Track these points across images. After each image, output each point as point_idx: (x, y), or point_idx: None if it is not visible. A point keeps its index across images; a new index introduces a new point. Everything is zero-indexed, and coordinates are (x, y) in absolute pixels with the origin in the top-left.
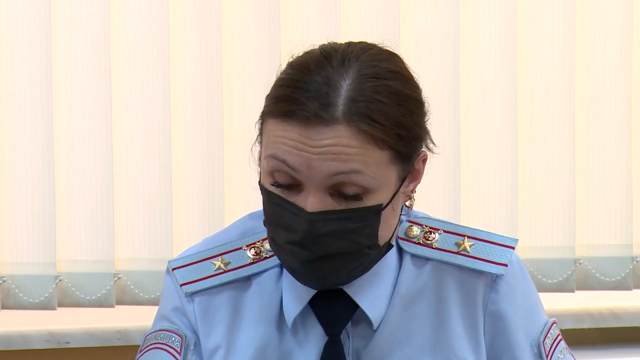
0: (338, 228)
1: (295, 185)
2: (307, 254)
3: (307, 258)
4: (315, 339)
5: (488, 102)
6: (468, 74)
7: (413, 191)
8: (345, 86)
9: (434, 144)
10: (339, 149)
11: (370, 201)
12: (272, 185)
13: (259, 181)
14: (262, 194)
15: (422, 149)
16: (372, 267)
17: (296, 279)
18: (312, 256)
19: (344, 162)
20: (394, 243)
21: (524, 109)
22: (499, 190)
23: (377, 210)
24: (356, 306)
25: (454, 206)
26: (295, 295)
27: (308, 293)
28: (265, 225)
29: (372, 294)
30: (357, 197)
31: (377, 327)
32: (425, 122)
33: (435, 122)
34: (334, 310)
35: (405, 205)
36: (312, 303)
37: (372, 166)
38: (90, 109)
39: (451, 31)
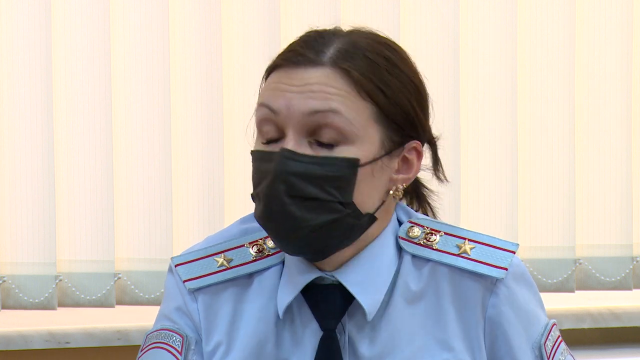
0: (309, 171)
1: (280, 139)
2: (276, 194)
3: (276, 198)
4: (311, 333)
5: (488, 102)
6: (468, 74)
7: (402, 183)
8: (337, 41)
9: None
10: (320, 87)
11: (345, 152)
12: (263, 144)
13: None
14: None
15: (417, 139)
16: (354, 237)
17: (270, 235)
18: (280, 195)
19: (322, 101)
20: (393, 235)
21: (524, 109)
22: (499, 190)
23: (352, 163)
24: (350, 300)
25: (454, 207)
26: (288, 286)
27: (301, 283)
28: (253, 198)
29: (366, 283)
30: (333, 147)
31: (378, 327)
32: (423, 113)
33: (435, 122)
34: (327, 302)
35: (392, 194)
36: (307, 296)
37: (351, 111)
38: (90, 109)
39: (451, 31)
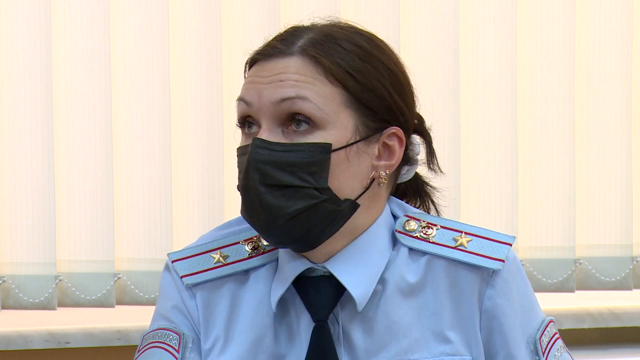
0: (281, 159)
1: (258, 131)
2: (250, 184)
3: (252, 188)
4: (305, 325)
5: (488, 102)
6: (468, 74)
7: (386, 171)
8: (309, 32)
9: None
10: (287, 76)
11: (318, 138)
12: (243, 135)
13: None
14: None
15: (396, 125)
16: (336, 224)
17: (252, 226)
18: (255, 185)
19: (290, 88)
20: (387, 228)
21: (524, 109)
22: (499, 190)
23: (324, 148)
24: (342, 291)
25: (454, 206)
26: (280, 279)
27: (292, 275)
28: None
29: (357, 273)
30: (305, 133)
31: (374, 320)
32: (403, 100)
33: (435, 122)
34: (319, 293)
35: (376, 182)
36: (299, 288)
37: (320, 97)
38: (90, 109)
39: (451, 31)
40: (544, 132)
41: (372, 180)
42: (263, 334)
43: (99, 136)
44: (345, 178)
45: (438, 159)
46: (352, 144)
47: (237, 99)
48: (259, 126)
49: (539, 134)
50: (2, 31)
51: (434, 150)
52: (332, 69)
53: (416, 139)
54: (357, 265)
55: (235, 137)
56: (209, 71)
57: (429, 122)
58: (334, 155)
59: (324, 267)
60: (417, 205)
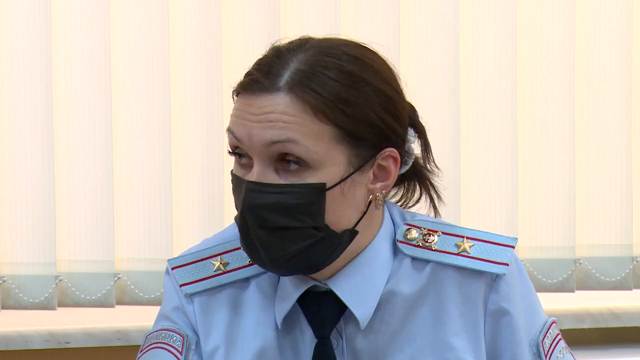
0: (276, 201)
1: (250, 162)
2: (247, 227)
3: (249, 231)
4: (309, 341)
5: (488, 102)
6: (468, 74)
7: (383, 192)
8: (295, 60)
9: (429, 159)
10: (276, 116)
11: (313, 178)
12: (236, 164)
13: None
14: None
15: (390, 146)
16: (337, 253)
17: (253, 260)
18: (252, 229)
19: (280, 130)
20: (388, 239)
21: (524, 109)
22: (499, 190)
23: (319, 188)
24: (345, 306)
25: (454, 206)
26: (285, 296)
27: (296, 293)
28: None
29: (359, 292)
30: (298, 172)
31: (378, 330)
32: (396, 119)
33: (435, 122)
34: (321, 310)
35: (372, 202)
36: (302, 304)
37: (310, 138)
38: (90, 109)
39: (451, 31)
40: (544, 132)
41: (369, 203)
42: (267, 347)
43: (99, 136)
44: (342, 211)
45: (434, 156)
46: (346, 178)
47: (227, 130)
48: (251, 158)
49: (539, 134)
50: (2, 31)
51: (428, 142)
52: (320, 107)
53: (410, 131)
54: (359, 282)
55: None
56: (209, 71)
57: (428, 123)
58: (328, 193)
59: (326, 285)
60: (414, 193)
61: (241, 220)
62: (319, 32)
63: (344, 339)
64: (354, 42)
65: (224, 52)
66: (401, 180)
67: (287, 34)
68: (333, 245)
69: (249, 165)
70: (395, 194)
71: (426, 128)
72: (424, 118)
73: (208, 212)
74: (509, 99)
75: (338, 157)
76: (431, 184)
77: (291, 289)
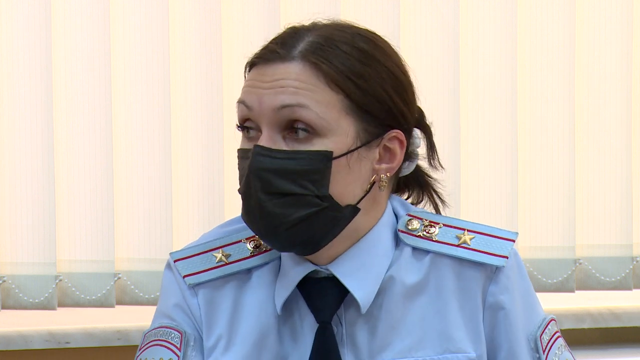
0: (282, 166)
1: (259, 135)
2: (251, 191)
3: (252, 196)
4: (309, 326)
5: (488, 102)
6: (468, 74)
7: (387, 175)
8: (309, 34)
9: (433, 153)
10: (288, 82)
11: (318, 146)
12: (243, 137)
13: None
14: None
15: (397, 128)
16: (338, 229)
17: (254, 232)
18: (255, 193)
19: (290, 95)
20: (390, 228)
21: (524, 109)
22: (499, 190)
23: (325, 156)
24: (346, 292)
25: (454, 206)
26: (285, 282)
27: (296, 278)
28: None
29: (360, 276)
30: (306, 140)
31: (378, 319)
32: (404, 102)
33: (435, 122)
34: (322, 295)
35: (377, 185)
36: (303, 290)
37: (321, 105)
38: (90, 109)
39: (451, 31)
40: (544, 132)
41: (373, 183)
42: (267, 334)
43: (99, 136)
44: (346, 184)
45: (439, 155)
46: (353, 150)
47: (238, 102)
48: (259, 130)
49: (539, 134)
50: (2, 31)
51: (434, 144)
52: (333, 76)
53: (417, 132)
54: (360, 267)
55: (235, 137)
56: (209, 71)
57: (429, 119)
58: (335, 163)
59: (328, 270)
60: (419, 198)
61: (245, 186)
62: None
63: (344, 325)
64: (370, 30)
65: (224, 52)
66: (404, 187)
67: None
68: (335, 219)
69: (256, 138)
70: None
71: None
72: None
73: (208, 212)
74: (509, 99)
75: (346, 127)
76: (435, 191)
77: (292, 274)
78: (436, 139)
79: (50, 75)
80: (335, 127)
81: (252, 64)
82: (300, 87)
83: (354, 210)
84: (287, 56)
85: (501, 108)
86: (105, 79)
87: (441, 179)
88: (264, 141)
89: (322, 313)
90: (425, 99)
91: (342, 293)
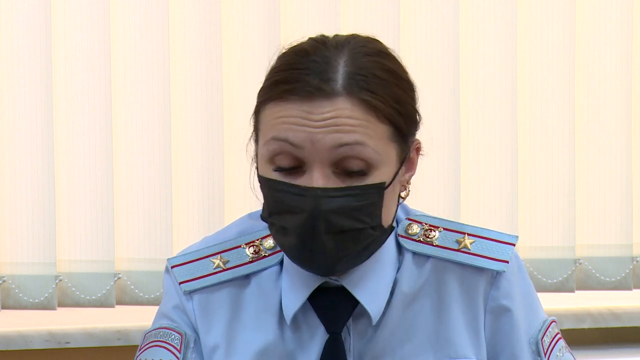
0: (343, 205)
1: (297, 168)
2: (314, 233)
3: (315, 237)
4: (317, 337)
5: (488, 102)
6: (468, 74)
7: (408, 182)
8: (342, 63)
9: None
10: (342, 121)
11: (373, 178)
12: (275, 171)
13: (258, 174)
14: (262, 186)
15: (416, 137)
16: (373, 253)
17: (301, 266)
18: (319, 235)
19: (347, 134)
20: (393, 234)
21: (524, 109)
22: (499, 190)
23: (381, 188)
24: (356, 302)
25: (454, 206)
26: (294, 292)
27: (307, 289)
28: (266, 220)
29: (371, 288)
30: (361, 173)
31: (379, 325)
32: (417, 107)
33: (435, 122)
34: (334, 306)
35: (401, 196)
36: (312, 300)
37: (374, 139)
38: (90, 109)
39: (451, 31)
40: (544, 132)
41: (399, 196)
42: (269, 344)
43: (99, 136)
44: (390, 207)
45: (435, 155)
46: (396, 174)
47: (273, 137)
48: (298, 162)
49: (539, 134)
50: (2, 31)
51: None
52: (382, 109)
53: None
54: (371, 278)
55: (235, 137)
56: (209, 71)
57: (429, 123)
58: (385, 192)
59: (337, 280)
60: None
61: (303, 227)
62: (319, 32)
63: (351, 335)
64: (366, 36)
65: (224, 52)
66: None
67: (287, 34)
68: (380, 243)
69: (296, 173)
70: None
71: (426, 129)
72: (423, 118)
73: (208, 212)
74: (509, 99)
75: (392, 155)
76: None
77: (301, 286)
78: (436, 139)
79: (50, 75)
80: (386, 158)
81: (279, 97)
82: (355, 124)
83: (390, 229)
84: (330, 91)
85: (501, 108)
86: (105, 79)
87: (441, 181)
88: (320, 181)
89: (334, 324)
90: (426, 99)
91: (352, 303)
